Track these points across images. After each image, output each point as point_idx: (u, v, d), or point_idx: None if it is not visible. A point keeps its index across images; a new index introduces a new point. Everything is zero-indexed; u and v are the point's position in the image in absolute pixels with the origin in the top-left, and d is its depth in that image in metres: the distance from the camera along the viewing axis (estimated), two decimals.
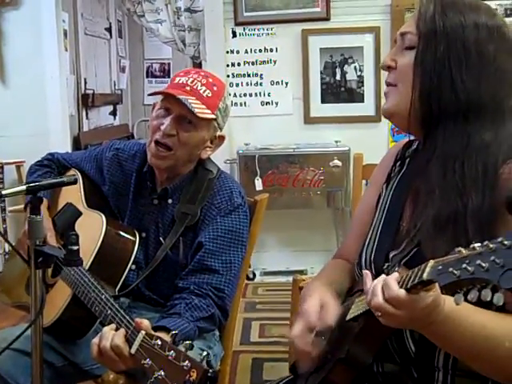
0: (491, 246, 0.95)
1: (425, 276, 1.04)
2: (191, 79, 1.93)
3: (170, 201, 2.00)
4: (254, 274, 4.83)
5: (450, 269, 0.99)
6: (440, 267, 1.02)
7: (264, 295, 4.57)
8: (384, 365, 1.37)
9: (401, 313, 1.10)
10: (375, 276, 1.19)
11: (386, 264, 1.35)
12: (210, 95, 1.92)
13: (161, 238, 1.99)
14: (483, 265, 0.94)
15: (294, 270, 4.62)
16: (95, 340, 1.60)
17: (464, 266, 0.97)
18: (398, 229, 1.38)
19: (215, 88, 1.95)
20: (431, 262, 1.05)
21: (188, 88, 1.92)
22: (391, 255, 1.36)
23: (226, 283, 1.89)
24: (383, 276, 1.15)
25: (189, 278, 1.89)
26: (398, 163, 1.51)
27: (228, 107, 2.01)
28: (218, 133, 2.00)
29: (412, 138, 1.49)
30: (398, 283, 1.11)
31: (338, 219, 4.79)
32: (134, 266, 1.98)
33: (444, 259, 1.02)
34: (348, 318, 1.34)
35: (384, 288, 1.12)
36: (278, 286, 4.65)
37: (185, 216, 1.95)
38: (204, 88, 1.92)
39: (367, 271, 1.22)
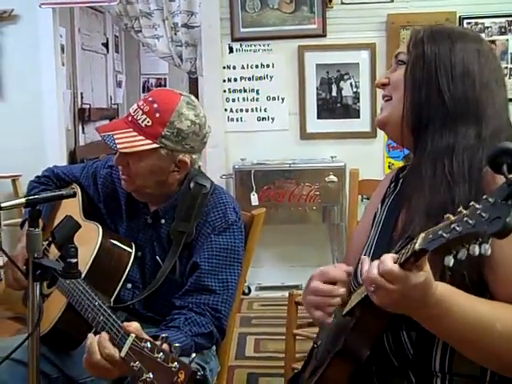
0: (477, 205, 0.99)
1: (417, 246, 1.08)
2: (136, 107, 1.91)
3: (162, 221, 1.99)
4: (250, 289, 4.82)
5: (440, 232, 1.03)
6: (431, 235, 1.06)
7: (259, 310, 4.56)
8: (382, 367, 1.38)
9: (394, 287, 1.13)
10: None
11: None
12: (149, 124, 1.87)
13: (157, 257, 1.97)
14: (470, 221, 0.99)
15: (289, 285, 4.61)
16: (86, 356, 1.57)
17: (453, 226, 1.01)
18: (392, 239, 1.42)
19: (158, 114, 1.87)
20: (422, 234, 1.09)
21: (129, 118, 1.90)
22: None
23: (222, 303, 1.88)
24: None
25: (186, 298, 1.88)
26: (392, 184, 1.57)
27: (183, 130, 1.88)
28: (181, 157, 1.91)
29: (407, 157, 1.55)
30: (394, 261, 1.15)
31: (334, 235, 4.80)
32: (130, 285, 1.98)
33: (434, 228, 1.07)
34: (344, 312, 1.37)
35: (379, 264, 1.16)
36: (273, 301, 4.65)
37: (181, 234, 1.93)
38: (144, 117, 1.87)
39: (365, 256, 1.26)
